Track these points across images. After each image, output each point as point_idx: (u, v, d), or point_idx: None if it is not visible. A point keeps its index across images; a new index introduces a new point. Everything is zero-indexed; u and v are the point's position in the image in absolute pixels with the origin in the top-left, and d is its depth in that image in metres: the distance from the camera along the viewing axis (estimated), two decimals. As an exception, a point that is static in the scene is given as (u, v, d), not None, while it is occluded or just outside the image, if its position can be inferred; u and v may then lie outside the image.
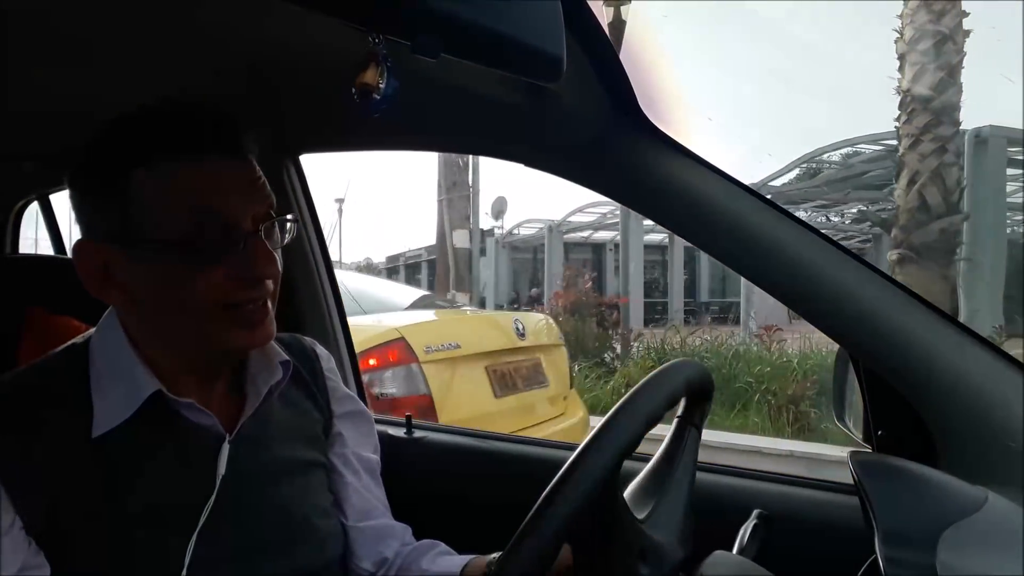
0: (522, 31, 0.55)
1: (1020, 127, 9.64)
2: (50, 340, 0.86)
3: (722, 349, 7.93)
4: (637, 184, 0.93)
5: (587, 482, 0.60)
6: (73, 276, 0.76)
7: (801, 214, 13.79)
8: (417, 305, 3.86)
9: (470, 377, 2.99)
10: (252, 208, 0.75)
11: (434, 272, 13.10)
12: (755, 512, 0.81)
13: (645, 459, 0.78)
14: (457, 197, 11.61)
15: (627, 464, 0.63)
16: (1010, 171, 10.06)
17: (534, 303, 11.30)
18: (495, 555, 0.82)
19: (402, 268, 26.44)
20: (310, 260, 1.44)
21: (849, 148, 13.49)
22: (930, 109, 8.13)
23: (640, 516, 0.69)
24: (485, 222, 18.70)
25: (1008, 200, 10.57)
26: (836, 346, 0.92)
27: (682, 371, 0.71)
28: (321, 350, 0.99)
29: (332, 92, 0.74)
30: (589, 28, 0.75)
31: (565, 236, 18.95)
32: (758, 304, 10.42)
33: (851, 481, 0.77)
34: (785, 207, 0.89)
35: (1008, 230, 10.60)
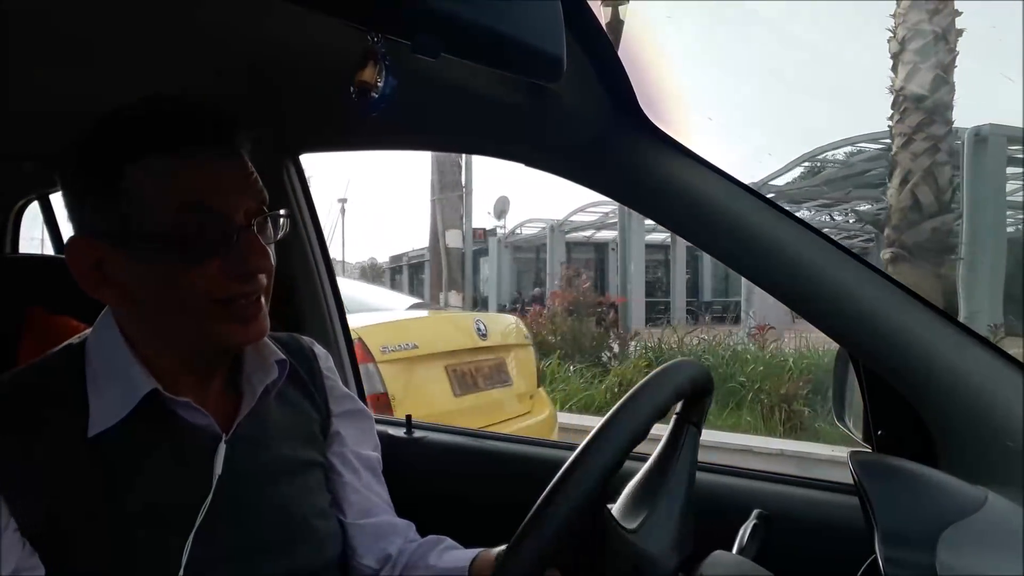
0: (522, 31, 0.55)
1: (1020, 125, 9.64)
2: (50, 340, 0.86)
3: (719, 349, 7.93)
4: (637, 184, 0.93)
5: (587, 482, 0.60)
6: (73, 276, 0.76)
7: (804, 213, 13.80)
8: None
9: (429, 376, 3.09)
10: (244, 203, 0.75)
11: (438, 272, 13.14)
12: (755, 512, 0.81)
13: (644, 459, 0.77)
14: (450, 197, 11.62)
15: (626, 464, 0.63)
16: (1010, 169, 10.05)
17: (536, 303, 11.30)
18: (503, 548, 0.82)
19: (405, 268, 26.45)
20: (310, 260, 1.44)
21: (849, 147, 13.49)
22: (923, 108, 8.16)
23: (632, 526, 0.68)
24: (488, 222, 18.75)
25: (1008, 199, 10.57)
26: (834, 345, 0.92)
27: (683, 371, 0.71)
28: (319, 349, 0.99)
29: (332, 92, 0.74)
30: (589, 28, 0.75)
31: (567, 236, 18.96)
32: (758, 304, 10.41)
33: (850, 481, 0.77)
34: (787, 207, 0.89)
35: (1011, 228, 10.60)
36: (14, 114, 1.12)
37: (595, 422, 0.64)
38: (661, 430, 0.76)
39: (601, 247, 20.63)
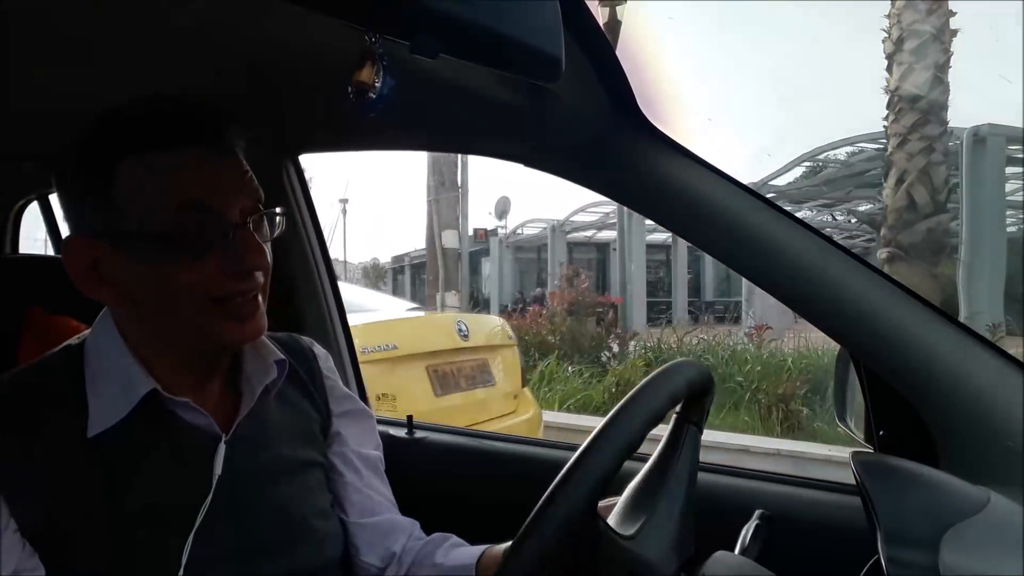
0: (521, 31, 0.55)
1: (1019, 125, 9.63)
2: (50, 340, 0.86)
3: (719, 349, 7.94)
4: (636, 184, 0.93)
5: (588, 482, 0.60)
6: (69, 276, 0.76)
7: (805, 214, 13.77)
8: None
9: (410, 376, 3.13)
10: (240, 201, 0.75)
11: (441, 273, 13.16)
12: (757, 512, 0.80)
13: (646, 459, 0.77)
14: (447, 198, 11.63)
15: (627, 465, 0.63)
16: (1010, 169, 10.05)
17: (536, 303, 11.32)
18: (510, 544, 0.82)
19: (407, 268, 26.45)
20: (310, 260, 1.44)
21: (849, 147, 13.48)
22: (917, 108, 8.17)
23: (630, 532, 0.67)
24: (489, 222, 18.77)
25: (1009, 199, 10.56)
26: (834, 344, 0.92)
27: (683, 371, 0.70)
28: (319, 349, 0.99)
29: (332, 92, 0.74)
30: (588, 28, 0.75)
31: (569, 236, 18.97)
32: (758, 304, 10.41)
33: (851, 481, 0.77)
34: (787, 207, 0.89)
35: (1014, 228, 10.58)
36: (14, 114, 1.12)
37: (591, 421, 0.64)
38: (662, 430, 0.75)
39: (603, 247, 20.64)
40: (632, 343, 8.75)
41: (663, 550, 0.69)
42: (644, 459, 0.77)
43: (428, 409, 3.02)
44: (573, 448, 0.64)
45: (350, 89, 0.59)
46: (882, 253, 8.36)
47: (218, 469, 0.77)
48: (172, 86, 0.97)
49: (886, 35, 8.44)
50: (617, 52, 0.81)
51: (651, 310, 15.40)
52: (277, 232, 0.81)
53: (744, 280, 0.94)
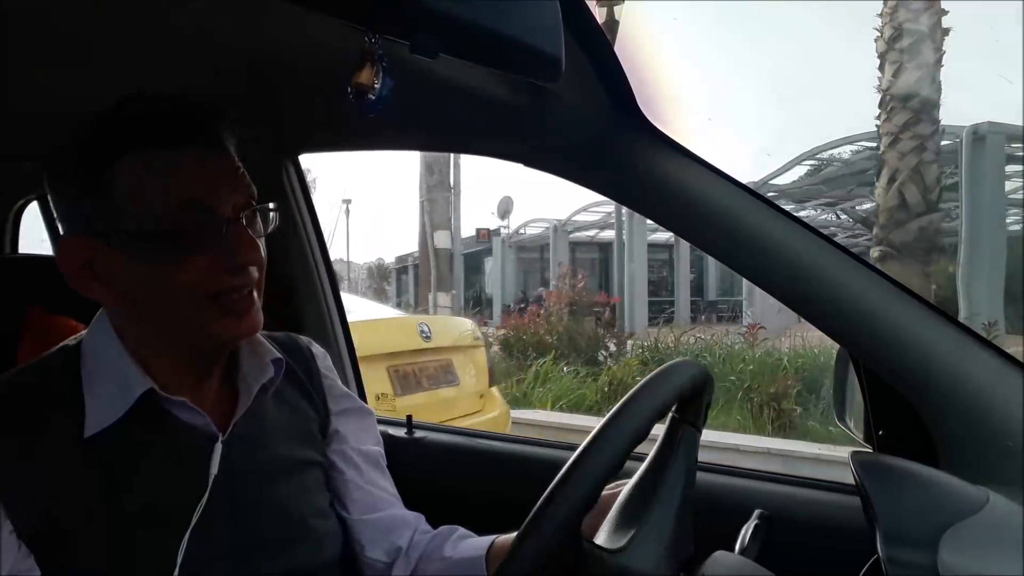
0: (521, 31, 0.55)
1: (1019, 124, 9.62)
2: (49, 340, 0.86)
3: (716, 348, 7.93)
4: (636, 184, 0.93)
5: (588, 482, 0.60)
6: (64, 275, 0.76)
7: (809, 212, 13.74)
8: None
9: (369, 377, 3.16)
10: (233, 197, 0.75)
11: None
12: (756, 512, 0.80)
13: (644, 458, 0.77)
14: (439, 197, 11.61)
15: (627, 465, 0.63)
16: (1010, 167, 10.04)
17: (537, 303, 11.33)
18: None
19: (410, 268, 26.44)
20: (309, 260, 1.44)
21: (850, 145, 13.46)
22: (909, 107, 8.15)
23: (620, 544, 0.66)
24: (492, 222, 18.76)
25: (1009, 197, 10.56)
26: (830, 343, 0.92)
27: (683, 371, 0.70)
28: (317, 348, 0.99)
29: (331, 92, 0.74)
30: (588, 28, 0.75)
31: (571, 235, 18.95)
32: (759, 303, 10.41)
33: (850, 480, 0.77)
34: (789, 206, 0.89)
35: (1017, 227, 10.57)
36: (14, 114, 1.12)
37: (583, 420, 0.63)
38: (661, 431, 0.75)
39: (605, 247, 20.61)
40: (630, 342, 8.74)
41: (657, 556, 0.67)
42: (643, 459, 0.77)
43: (388, 408, 3.08)
44: (572, 448, 0.64)
45: (350, 90, 0.59)
46: (875, 252, 8.35)
47: (214, 468, 0.77)
48: (172, 86, 0.97)
49: (878, 34, 8.43)
50: (616, 52, 0.81)
51: (653, 309, 15.37)
52: (271, 227, 0.81)
53: (745, 280, 0.94)
